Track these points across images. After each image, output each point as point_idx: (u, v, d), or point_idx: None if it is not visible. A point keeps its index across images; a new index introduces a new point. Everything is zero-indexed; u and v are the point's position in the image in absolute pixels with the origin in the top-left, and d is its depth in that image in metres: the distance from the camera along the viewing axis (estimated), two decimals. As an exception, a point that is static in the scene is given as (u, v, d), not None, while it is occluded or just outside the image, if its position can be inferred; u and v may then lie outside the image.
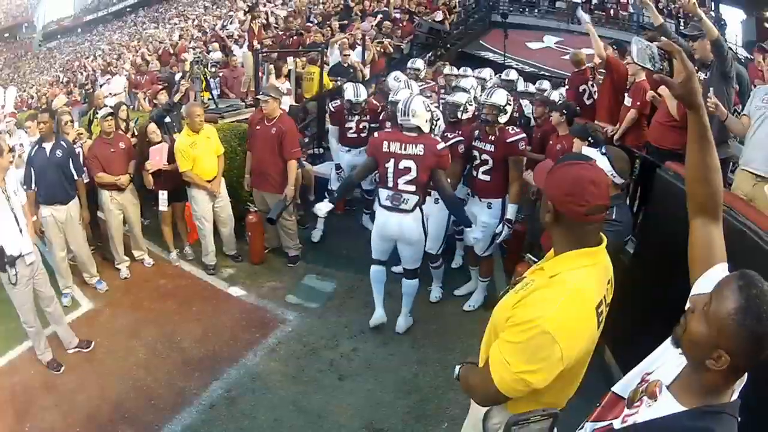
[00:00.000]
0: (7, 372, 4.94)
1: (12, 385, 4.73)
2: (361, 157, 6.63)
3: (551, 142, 5.49)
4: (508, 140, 4.79)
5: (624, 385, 1.76)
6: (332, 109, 6.74)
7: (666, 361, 1.62)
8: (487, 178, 4.85)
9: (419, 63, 7.97)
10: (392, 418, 4.10)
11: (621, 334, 3.72)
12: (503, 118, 4.86)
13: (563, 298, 1.80)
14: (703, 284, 1.70)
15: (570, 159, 1.94)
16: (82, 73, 23.49)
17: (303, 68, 9.76)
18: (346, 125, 6.60)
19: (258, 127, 5.95)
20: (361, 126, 6.61)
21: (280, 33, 13.20)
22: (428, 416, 4.12)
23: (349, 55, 9.52)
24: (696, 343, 1.44)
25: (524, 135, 4.95)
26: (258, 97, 5.98)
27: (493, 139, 4.86)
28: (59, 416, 4.32)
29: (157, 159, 5.98)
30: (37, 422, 4.29)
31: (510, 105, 4.89)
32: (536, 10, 18.56)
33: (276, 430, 4.05)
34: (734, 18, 16.48)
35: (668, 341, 1.65)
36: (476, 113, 5.39)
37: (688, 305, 1.54)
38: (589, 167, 1.88)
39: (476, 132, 5.04)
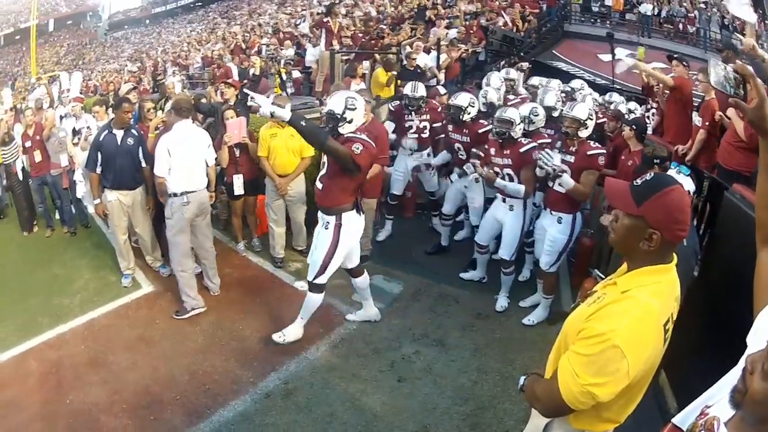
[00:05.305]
0: (55, 345, 5.10)
1: (59, 358, 4.87)
2: (423, 161, 6.60)
3: (623, 157, 5.37)
4: (589, 152, 4.71)
5: (684, 417, 1.71)
6: (391, 108, 6.71)
7: (725, 396, 1.53)
8: (563, 189, 4.73)
9: (514, 73, 7.76)
10: (447, 423, 4.05)
11: (677, 357, 3.62)
12: (584, 132, 4.77)
13: (634, 314, 1.81)
14: (764, 321, 1.66)
15: (663, 183, 1.90)
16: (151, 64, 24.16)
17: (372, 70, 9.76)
18: (406, 125, 6.51)
19: None
20: (421, 126, 6.51)
21: (359, 34, 13.26)
22: (483, 425, 4.04)
23: (414, 59, 9.49)
24: (763, 403, 1.35)
25: (604, 150, 4.86)
26: None
27: (573, 150, 4.79)
28: (105, 392, 4.42)
29: (236, 133, 6.01)
30: (80, 396, 4.40)
31: (592, 119, 4.79)
32: (607, 22, 18.31)
33: (329, 425, 4.04)
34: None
35: (730, 374, 1.60)
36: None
37: (743, 365, 1.48)
38: (684, 191, 1.90)
39: (558, 143, 4.99)
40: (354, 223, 4.66)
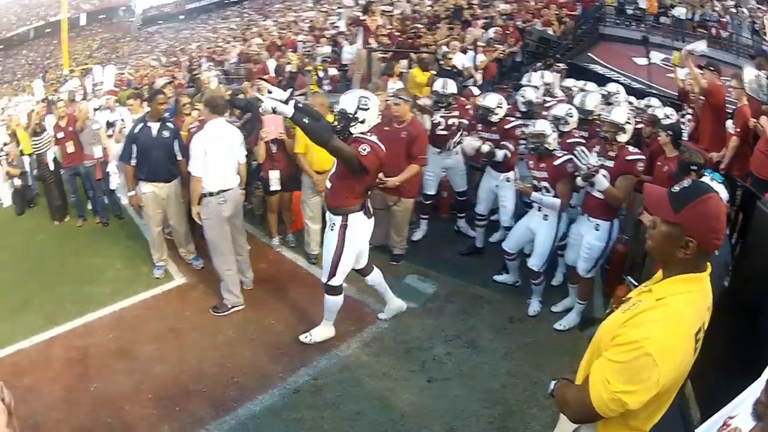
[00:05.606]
0: (82, 333, 5.18)
1: (85, 346, 4.94)
2: (452, 160, 6.57)
3: (659, 163, 5.29)
4: (628, 158, 4.63)
5: (707, 428, 1.77)
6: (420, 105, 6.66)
7: (747, 407, 1.59)
8: (601, 195, 4.67)
9: (550, 76, 7.70)
10: (474, 426, 4.03)
11: (703, 368, 3.56)
12: (622, 137, 4.70)
13: (668, 322, 1.81)
14: None
15: (701, 191, 1.91)
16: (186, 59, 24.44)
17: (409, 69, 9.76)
18: (435, 121, 6.43)
19: (386, 128, 5.71)
20: (449, 122, 6.44)
21: (396, 33, 13.28)
22: (510, 430, 4.01)
23: (451, 58, 9.47)
24: None
25: (643, 156, 4.79)
26: (389, 99, 5.91)
27: (612, 155, 4.72)
28: (130, 381, 4.47)
29: (272, 128, 6.00)
30: (104, 384, 4.46)
31: (630, 123, 4.73)
32: (642, 25, 18.11)
33: (356, 422, 4.04)
34: None
35: (754, 386, 1.64)
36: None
37: (767, 377, 1.47)
38: (720, 199, 1.90)
39: (596, 147, 4.92)
40: (360, 225, 4.58)
